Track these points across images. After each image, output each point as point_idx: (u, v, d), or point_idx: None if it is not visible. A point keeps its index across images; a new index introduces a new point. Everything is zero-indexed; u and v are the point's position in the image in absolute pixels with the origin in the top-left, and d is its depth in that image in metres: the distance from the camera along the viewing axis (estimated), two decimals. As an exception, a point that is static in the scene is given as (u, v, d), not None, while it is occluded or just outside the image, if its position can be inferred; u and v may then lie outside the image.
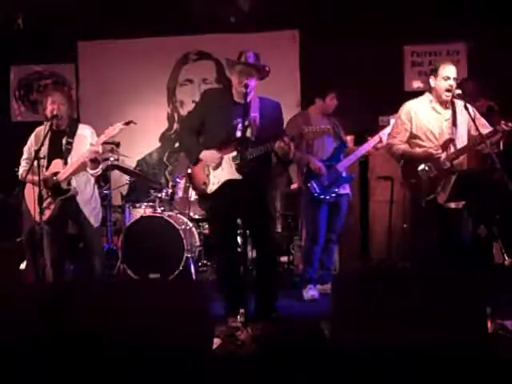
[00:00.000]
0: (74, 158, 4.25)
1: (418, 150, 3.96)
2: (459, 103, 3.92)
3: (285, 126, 4.20)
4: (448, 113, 3.96)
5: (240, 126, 3.70)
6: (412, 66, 6.55)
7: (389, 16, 6.14)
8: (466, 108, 3.84)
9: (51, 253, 4.32)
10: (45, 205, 4.18)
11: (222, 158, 3.76)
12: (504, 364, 2.42)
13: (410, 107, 4.04)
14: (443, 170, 3.85)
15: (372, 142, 4.75)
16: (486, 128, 3.89)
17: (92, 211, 4.43)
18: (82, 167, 4.26)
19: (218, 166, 3.77)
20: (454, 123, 3.92)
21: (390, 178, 5.64)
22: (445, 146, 3.89)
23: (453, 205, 3.89)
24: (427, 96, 4.01)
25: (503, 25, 5.95)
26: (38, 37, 6.62)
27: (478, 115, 3.99)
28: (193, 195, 5.43)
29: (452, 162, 3.85)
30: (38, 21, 6.48)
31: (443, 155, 3.87)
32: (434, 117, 3.97)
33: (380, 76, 6.19)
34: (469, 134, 3.94)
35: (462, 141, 3.93)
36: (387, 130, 4.74)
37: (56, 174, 4.25)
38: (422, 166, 3.90)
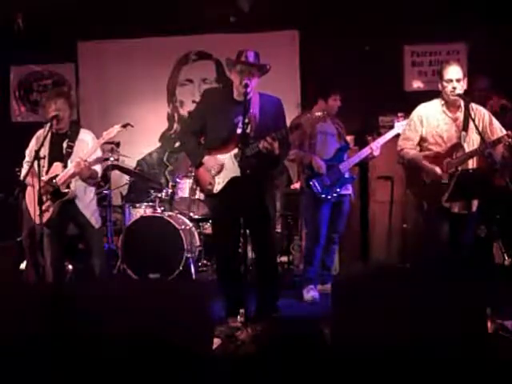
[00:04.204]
0: (74, 162, 4.25)
1: (424, 162, 3.90)
2: (474, 107, 3.87)
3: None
4: (459, 117, 3.91)
5: (241, 124, 3.70)
6: (412, 65, 6.54)
7: (389, 16, 6.14)
8: (467, 109, 3.83)
9: (51, 253, 4.32)
10: (44, 207, 4.19)
11: (222, 165, 3.76)
12: (504, 364, 2.42)
13: (422, 110, 4.00)
14: (447, 173, 3.81)
15: (364, 152, 4.77)
16: (500, 133, 3.83)
17: (93, 213, 4.45)
18: (75, 175, 4.26)
19: (219, 172, 3.77)
20: (465, 127, 3.86)
21: (390, 177, 5.65)
22: (452, 150, 3.87)
23: (456, 209, 3.89)
24: (439, 99, 3.96)
25: (503, 25, 5.96)
26: (38, 37, 6.61)
27: (493, 119, 3.92)
28: (201, 196, 5.39)
29: (457, 166, 3.82)
30: (38, 21, 6.48)
31: (448, 160, 3.85)
32: (443, 120, 3.93)
33: (380, 76, 6.19)
34: (483, 138, 3.78)
35: (472, 145, 3.87)
36: (381, 141, 4.77)
37: (55, 177, 4.25)
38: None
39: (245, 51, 3.74)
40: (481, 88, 3.94)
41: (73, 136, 4.36)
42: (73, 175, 4.24)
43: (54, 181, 4.23)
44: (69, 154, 4.31)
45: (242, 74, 3.69)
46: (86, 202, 4.40)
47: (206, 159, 3.81)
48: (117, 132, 4.28)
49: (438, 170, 3.84)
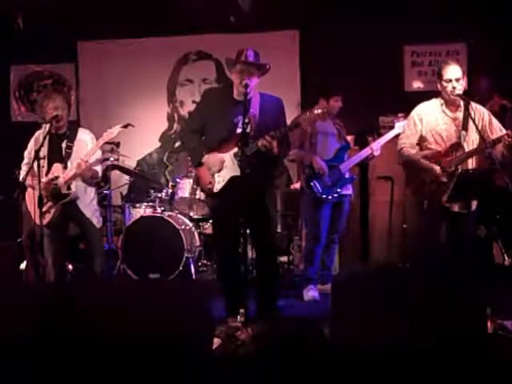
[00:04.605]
0: (74, 163, 4.25)
1: (422, 160, 3.90)
2: (473, 106, 3.87)
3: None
4: (459, 116, 3.90)
5: (241, 123, 3.70)
6: (412, 65, 6.55)
7: (389, 16, 6.14)
8: (467, 108, 3.83)
9: (52, 254, 4.32)
10: (45, 209, 4.19)
11: (223, 162, 3.76)
12: (504, 364, 2.42)
13: (421, 109, 4.00)
14: (447, 173, 3.81)
15: (364, 152, 4.78)
16: (500, 132, 3.83)
17: (94, 212, 4.45)
18: (77, 175, 4.26)
19: (220, 169, 3.77)
20: (465, 127, 3.86)
21: (390, 178, 5.65)
22: (451, 150, 3.87)
23: (456, 208, 3.88)
24: (438, 99, 3.96)
25: (503, 25, 5.96)
26: (37, 37, 6.62)
27: (492, 119, 3.92)
28: (201, 196, 5.38)
29: (457, 165, 3.81)
30: (37, 21, 6.49)
31: (448, 159, 3.85)
32: (443, 120, 3.92)
33: (380, 76, 6.19)
34: (482, 137, 3.78)
35: (472, 145, 3.87)
36: (381, 141, 4.78)
37: (56, 178, 4.25)
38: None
39: (245, 50, 3.73)
40: (482, 89, 3.94)
41: (71, 136, 4.35)
42: (74, 176, 4.23)
43: (55, 182, 4.23)
44: (68, 155, 4.30)
45: (242, 73, 3.69)
46: (87, 201, 4.39)
47: (207, 157, 3.81)
48: (117, 132, 4.28)
49: (436, 168, 3.84)
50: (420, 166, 3.90)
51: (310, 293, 4.69)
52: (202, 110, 4.01)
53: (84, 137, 4.40)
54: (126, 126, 4.34)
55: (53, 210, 4.26)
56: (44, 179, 4.14)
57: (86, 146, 4.34)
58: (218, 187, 3.80)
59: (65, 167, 4.26)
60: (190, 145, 3.99)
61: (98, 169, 4.42)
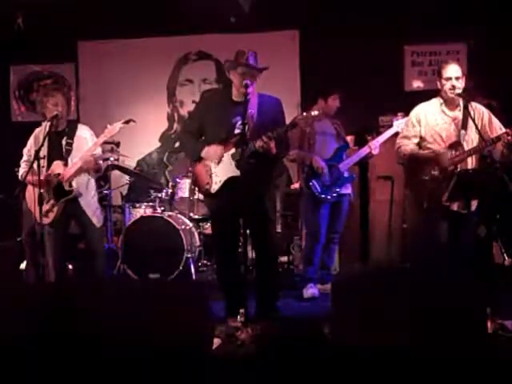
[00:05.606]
0: (75, 159, 4.25)
1: (424, 152, 3.90)
2: (473, 106, 3.86)
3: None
4: (458, 115, 3.90)
5: (239, 124, 3.69)
6: (412, 65, 6.55)
7: (389, 16, 6.14)
8: (466, 107, 3.83)
9: (53, 253, 4.31)
10: (48, 207, 4.19)
11: (223, 153, 3.76)
12: (504, 364, 2.42)
13: (420, 109, 4.00)
14: (447, 171, 3.82)
15: (363, 151, 4.78)
16: (500, 131, 3.82)
17: (95, 211, 4.44)
18: (82, 169, 4.27)
19: (220, 161, 3.76)
20: (464, 126, 3.86)
21: (390, 177, 5.64)
22: (450, 149, 3.86)
23: (456, 207, 3.88)
24: (438, 98, 3.97)
25: (503, 25, 5.96)
26: (38, 37, 6.62)
27: (492, 117, 3.92)
28: (201, 196, 5.38)
29: (456, 164, 3.81)
30: (38, 21, 6.48)
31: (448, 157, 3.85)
32: (442, 119, 3.92)
33: (380, 76, 6.19)
34: (482, 136, 3.78)
35: (471, 144, 3.87)
36: (380, 139, 4.79)
37: (57, 175, 4.24)
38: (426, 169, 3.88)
39: (246, 53, 3.72)
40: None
41: (71, 132, 4.36)
42: (80, 170, 4.24)
43: (57, 179, 4.22)
44: (68, 152, 4.30)
45: (244, 75, 3.69)
46: (88, 199, 4.39)
47: (207, 149, 3.79)
48: (119, 128, 4.29)
49: (441, 151, 3.82)
50: (421, 157, 3.89)
51: (310, 290, 4.69)
52: (199, 111, 4.02)
53: (84, 133, 4.40)
54: (127, 122, 4.33)
55: (56, 208, 4.25)
56: (44, 177, 4.14)
57: (85, 142, 4.34)
58: (215, 188, 3.80)
59: (65, 164, 4.26)
60: (187, 145, 4.00)
61: (101, 163, 4.44)
